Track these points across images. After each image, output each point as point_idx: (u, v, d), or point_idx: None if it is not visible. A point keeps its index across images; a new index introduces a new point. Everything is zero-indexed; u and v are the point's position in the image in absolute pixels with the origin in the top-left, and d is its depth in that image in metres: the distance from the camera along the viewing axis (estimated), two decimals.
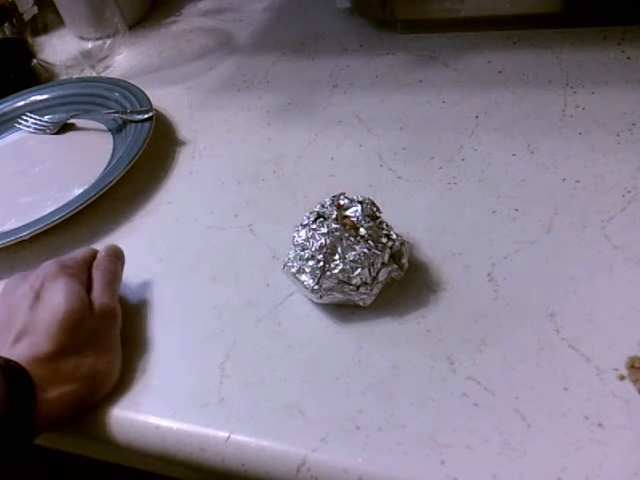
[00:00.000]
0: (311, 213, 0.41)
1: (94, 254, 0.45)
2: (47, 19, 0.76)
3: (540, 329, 0.37)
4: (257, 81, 0.65)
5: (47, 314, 0.38)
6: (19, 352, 0.36)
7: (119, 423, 0.38)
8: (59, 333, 0.37)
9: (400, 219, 0.43)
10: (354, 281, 0.38)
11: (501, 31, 0.60)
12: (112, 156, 0.59)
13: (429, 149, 0.51)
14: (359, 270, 0.38)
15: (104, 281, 0.42)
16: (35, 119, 0.66)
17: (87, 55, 0.75)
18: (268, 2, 0.78)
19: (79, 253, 0.44)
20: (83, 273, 0.42)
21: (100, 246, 0.50)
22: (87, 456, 0.43)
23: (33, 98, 0.68)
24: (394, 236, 0.40)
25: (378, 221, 0.40)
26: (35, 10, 0.73)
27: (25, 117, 0.67)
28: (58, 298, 0.38)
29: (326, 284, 0.39)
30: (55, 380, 0.36)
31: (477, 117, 0.52)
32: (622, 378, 0.33)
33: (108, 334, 0.40)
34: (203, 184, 0.54)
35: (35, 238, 0.51)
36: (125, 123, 0.60)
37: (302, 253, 0.40)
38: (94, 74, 0.73)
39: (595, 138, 0.47)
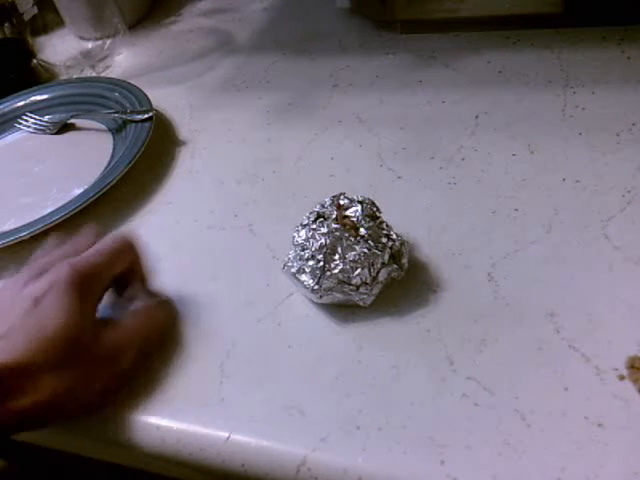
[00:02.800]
0: (311, 213, 0.41)
1: (126, 259, 0.41)
2: (47, 19, 0.76)
3: (540, 329, 0.37)
4: (257, 81, 0.65)
5: (37, 325, 0.35)
6: None
7: (119, 423, 0.38)
8: (40, 348, 0.35)
9: (400, 219, 0.43)
10: (354, 281, 0.38)
11: (501, 31, 0.60)
12: (112, 156, 0.59)
13: (429, 149, 0.51)
14: (359, 270, 0.38)
15: (143, 322, 0.39)
16: (35, 119, 0.66)
17: (87, 55, 0.75)
18: (268, 2, 0.78)
19: (104, 253, 0.40)
20: (99, 284, 0.39)
21: None
22: (87, 456, 0.43)
23: (33, 98, 0.68)
24: (394, 236, 0.40)
25: (378, 221, 0.40)
26: (35, 10, 0.73)
27: (25, 117, 0.67)
28: (55, 314, 0.36)
29: (326, 284, 0.39)
30: (16, 392, 0.34)
31: (477, 117, 0.52)
32: (622, 378, 0.33)
33: (102, 368, 0.37)
34: (203, 184, 0.54)
35: (35, 238, 0.51)
36: (125, 123, 0.60)
37: (302, 253, 0.40)
38: (94, 74, 0.73)
39: (595, 138, 0.47)
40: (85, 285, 0.38)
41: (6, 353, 0.35)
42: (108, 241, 0.41)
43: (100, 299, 0.39)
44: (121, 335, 0.38)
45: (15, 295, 0.38)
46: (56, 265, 0.38)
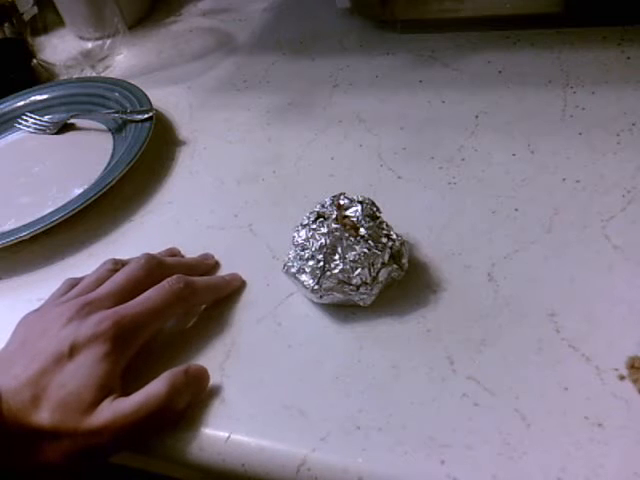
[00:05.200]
0: (311, 213, 0.41)
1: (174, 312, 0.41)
2: (47, 19, 0.76)
3: (540, 329, 0.37)
4: (257, 81, 0.65)
5: (65, 387, 0.35)
6: (8, 382, 0.35)
7: None
8: (63, 420, 0.34)
9: (400, 219, 0.43)
10: (354, 281, 0.38)
11: (501, 31, 0.60)
12: (112, 156, 0.59)
13: (429, 149, 0.51)
14: (359, 270, 0.38)
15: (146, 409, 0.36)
16: (35, 119, 0.66)
17: (87, 55, 0.75)
18: (268, 2, 0.78)
19: (155, 303, 0.39)
20: (140, 339, 0.39)
21: (99, 247, 0.51)
22: None
23: (33, 98, 0.68)
24: (394, 236, 0.40)
25: (378, 221, 0.40)
26: (35, 10, 0.73)
27: (25, 117, 0.67)
28: (79, 379, 0.35)
29: (326, 284, 0.39)
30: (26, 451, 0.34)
31: (477, 117, 0.52)
32: (622, 378, 0.33)
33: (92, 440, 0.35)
34: (203, 184, 0.54)
35: (35, 238, 0.51)
36: (125, 123, 0.60)
37: (302, 253, 0.40)
38: (94, 74, 0.73)
39: (595, 138, 0.47)
40: (124, 340, 0.38)
41: (29, 409, 0.35)
42: (166, 285, 0.40)
43: (137, 349, 0.39)
44: (121, 416, 0.35)
45: (55, 326, 0.38)
46: (106, 313, 0.38)
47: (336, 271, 0.38)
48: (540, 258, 0.40)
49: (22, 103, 0.68)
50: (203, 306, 0.43)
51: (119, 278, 0.41)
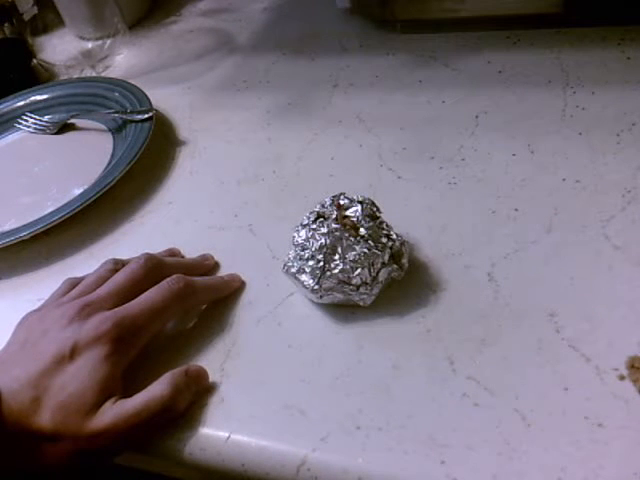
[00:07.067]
0: (311, 213, 0.41)
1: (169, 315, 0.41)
2: (47, 19, 0.76)
3: (540, 329, 0.37)
4: (257, 81, 0.65)
5: (66, 389, 0.35)
6: (8, 383, 0.35)
7: None
8: (63, 421, 0.34)
9: (400, 219, 0.43)
10: (354, 281, 0.38)
11: (501, 31, 0.60)
12: (112, 156, 0.59)
13: (429, 149, 0.51)
14: (359, 270, 0.38)
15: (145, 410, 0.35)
16: (35, 119, 0.66)
17: (87, 55, 0.75)
18: (268, 2, 0.78)
19: (153, 305, 0.39)
20: (139, 342, 0.38)
21: (99, 247, 0.51)
22: None
23: (33, 98, 0.68)
24: (394, 236, 0.40)
25: (378, 221, 0.40)
26: (35, 10, 0.73)
27: (25, 117, 0.67)
28: (80, 380, 0.35)
29: (326, 284, 0.39)
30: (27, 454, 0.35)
31: (477, 117, 0.52)
32: (622, 378, 0.33)
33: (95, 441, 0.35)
34: (203, 184, 0.54)
35: (35, 238, 0.51)
36: (125, 123, 0.60)
37: (302, 253, 0.40)
38: (94, 74, 0.73)
39: (595, 138, 0.47)
40: (125, 342, 0.37)
41: (30, 411, 0.35)
42: (165, 287, 0.40)
43: (138, 350, 0.39)
44: (120, 419, 0.35)
45: (56, 327, 0.38)
46: (107, 314, 0.38)
47: (336, 271, 0.38)
48: (540, 258, 0.40)
49: (22, 103, 0.68)
50: (203, 306, 0.43)
51: (119, 278, 0.41)
